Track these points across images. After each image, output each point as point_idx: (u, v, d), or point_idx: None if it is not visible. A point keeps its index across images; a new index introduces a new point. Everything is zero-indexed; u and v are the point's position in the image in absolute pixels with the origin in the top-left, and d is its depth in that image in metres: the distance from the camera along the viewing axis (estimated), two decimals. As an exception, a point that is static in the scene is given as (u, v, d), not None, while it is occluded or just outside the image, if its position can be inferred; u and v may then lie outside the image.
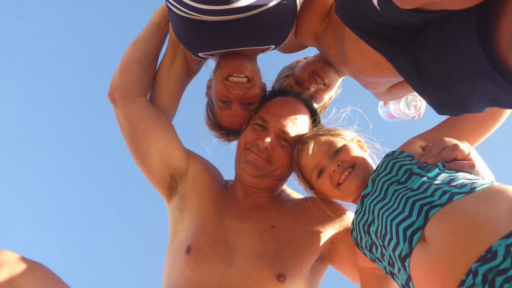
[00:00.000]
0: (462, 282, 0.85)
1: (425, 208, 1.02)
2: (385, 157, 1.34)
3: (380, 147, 1.50)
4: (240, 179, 1.63)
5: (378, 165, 1.32)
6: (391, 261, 1.13)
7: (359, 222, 1.28)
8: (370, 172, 1.34)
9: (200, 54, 1.57)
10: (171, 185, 1.68)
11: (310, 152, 1.40)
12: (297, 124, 1.55)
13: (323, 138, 1.43)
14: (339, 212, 1.56)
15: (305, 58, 2.00)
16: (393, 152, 1.34)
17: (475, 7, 0.82)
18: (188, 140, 1.77)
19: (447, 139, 1.21)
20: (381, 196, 1.20)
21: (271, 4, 1.36)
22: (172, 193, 1.68)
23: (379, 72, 1.37)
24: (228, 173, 1.77)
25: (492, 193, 0.97)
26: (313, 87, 1.81)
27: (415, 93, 1.60)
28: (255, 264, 1.41)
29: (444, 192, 1.01)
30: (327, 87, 1.83)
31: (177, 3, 1.33)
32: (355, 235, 1.31)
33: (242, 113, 1.60)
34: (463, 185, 1.02)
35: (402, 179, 1.18)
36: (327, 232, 1.52)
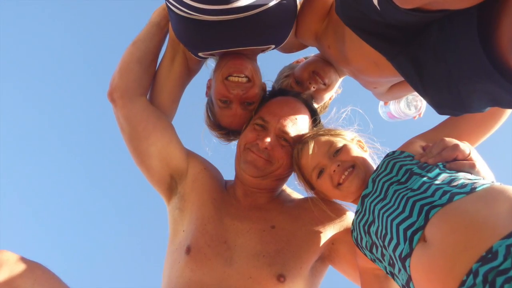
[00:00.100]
0: (463, 283, 0.85)
1: (426, 208, 1.02)
2: (385, 157, 1.34)
3: (380, 147, 1.49)
4: (240, 179, 1.63)
5: (379, 165, 1.32)
6: (391, 262, 1.13)
7: (359, 222, 1.27)
8: (370, 172, 1.34)
9: (200, 54, 1.57)
10: (171, 185, 1.67)
11: (310, 152, 1.40)
12: (297, 124, 1.55)
13: (323, 138, 1.43)
14: (339, 212, 1.56)
15: (305, 58, 1.99)
16: (394, 152, 1.34)
17: (476, 7, 0.82)
18: (188, 140, 1.77)
19: (447, 139, 1.21)
20: (382, 196, 1.20)
21: (271, 3, 1.36)
22: (172, 193, 1.68)
23: (380, 72, 1.37)
24: (228, 173, 1.77)
25: (493, 193, 0.97)
26: (313, 87, 1.80)
27: (416, 93, 1.60)
28: (255, 265, 1.41)
29: (445, 192, 1.01)
30: (327, 87, 1.83)
31: (177, 2, 1.33)
32: (355, 235, 1.30)
33: (242, 113, 1.59)
34: (463, 185, 1.02)
35: (403, 179, 1.18)
36: (327, 232, 1.52)
